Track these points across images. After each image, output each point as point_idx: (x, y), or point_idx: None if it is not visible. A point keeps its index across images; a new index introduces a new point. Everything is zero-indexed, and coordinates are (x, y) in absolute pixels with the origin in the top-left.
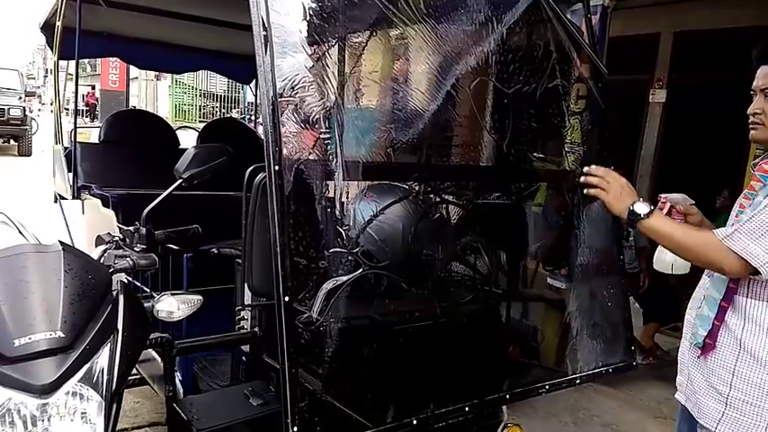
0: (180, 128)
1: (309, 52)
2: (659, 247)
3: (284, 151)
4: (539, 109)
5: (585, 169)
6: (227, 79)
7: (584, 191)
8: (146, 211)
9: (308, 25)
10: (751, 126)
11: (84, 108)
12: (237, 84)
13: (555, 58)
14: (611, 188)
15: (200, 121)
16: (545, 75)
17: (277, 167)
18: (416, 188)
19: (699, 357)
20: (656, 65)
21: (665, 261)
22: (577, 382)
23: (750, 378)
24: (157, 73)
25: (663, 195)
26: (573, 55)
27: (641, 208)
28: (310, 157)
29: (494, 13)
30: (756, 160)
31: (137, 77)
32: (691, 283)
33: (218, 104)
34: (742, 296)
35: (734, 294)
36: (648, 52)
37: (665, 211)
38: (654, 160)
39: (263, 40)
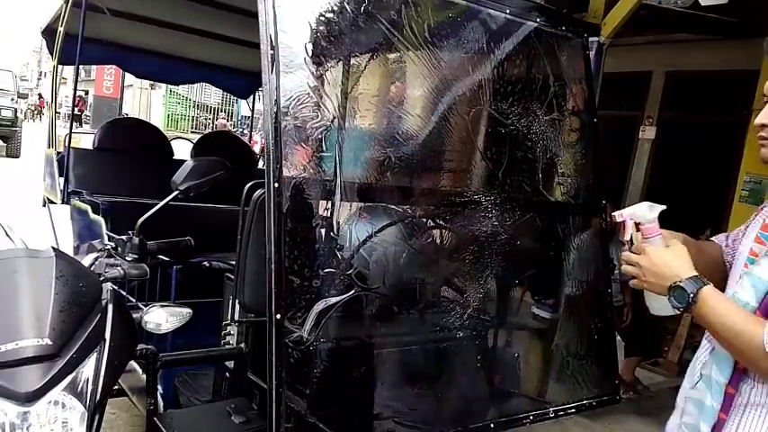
0: (174, 138)
1: (314, 73)
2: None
3: (284, 169)
4: (533, 140)
5: (623, 255)
6: (221, 91)
7: (630, 283)
8: (140, 220)
9: (314, 46)
10: (760, 143)
11: (77, 112)
12: (232, 96)
13: (551, 91)
14: (645, 273)
15: (192, 132)
16: (541, 108)
17: (276, 185)
18: (411, 211)
19: None
20: (647, 102)
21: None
22: (561, 413)
23: None
24: (152, 82)
25: (617, 213)
26: (568, 89)
27: (688, 287)
28: (309, 176)
29: (494, 45)
30: None
31: (131, 85)
32: (673, 319)
33: (211, 116)
34: (756, 380)
35: (744, 376)
36: (640, 89)
37: (627, 234)
38: (641, 194)
39: (269, 59)
